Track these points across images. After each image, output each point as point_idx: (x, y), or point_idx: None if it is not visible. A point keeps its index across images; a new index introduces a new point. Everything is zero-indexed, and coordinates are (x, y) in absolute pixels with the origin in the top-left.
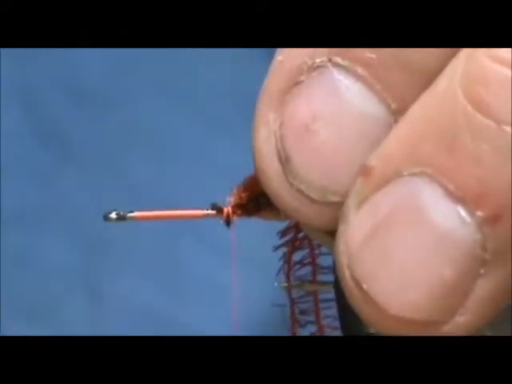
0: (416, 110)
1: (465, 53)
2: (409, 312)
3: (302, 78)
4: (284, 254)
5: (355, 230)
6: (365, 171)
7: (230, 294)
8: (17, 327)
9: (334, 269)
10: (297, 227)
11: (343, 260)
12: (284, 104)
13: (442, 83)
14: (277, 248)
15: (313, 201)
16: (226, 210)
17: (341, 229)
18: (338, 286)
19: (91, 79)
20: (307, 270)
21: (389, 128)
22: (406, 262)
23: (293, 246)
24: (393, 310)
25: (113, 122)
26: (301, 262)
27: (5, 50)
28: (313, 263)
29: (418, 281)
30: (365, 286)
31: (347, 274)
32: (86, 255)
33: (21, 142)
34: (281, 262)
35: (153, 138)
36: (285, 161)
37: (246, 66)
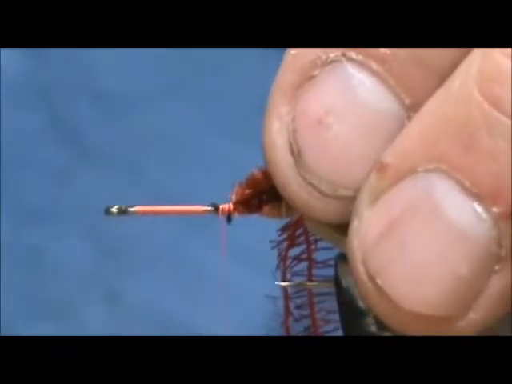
0: (431, 107)
1: (479, 50)
2: (423, 307)
3: (316, 72)
4: (280, 252)
5: (370, 225)
6: (379, 167)
7: (247, 296)
8: (32, 326)
9: (335, 265)
10: (296, 225)
11: (357, 255)
12: (297, 98)
13: (457, 80)
14: (275, 246)
15: (323, 194)
16: (227, 206)
17: (354, 224)
18: (338, 282)
19: (108, 80)
20: (304, 266)
21: (402, 123)
22: (421, 258)
23: (290, 243)
24: (407, 305)
25: (129, 122)
26: (297, 258)
27: (25, 51)
28: (309, 260)
29: (434, 276)
30: (379, 282)
31: (361, 269)
32: (102, 255)
33: (38, 141)
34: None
35: (168, 138)
36: (297, 154)
37: (261, 66)
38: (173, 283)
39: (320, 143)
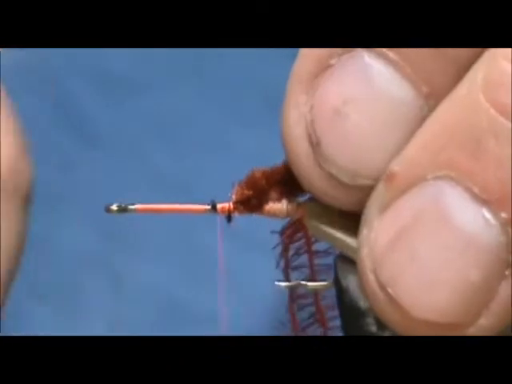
0: (438, 115)
1: (485, 57)
2: (434, 315)
3: (333, 61)
4: (281, 252)
5: (380, 233)
6: (388, 177)
7: (249, 280)
8: (35, 311)
9: (334, 265)
10: (296, 225)
11: (367, 264)
12: (314, 88)
13: (464, 87)
14: (275, 246)
15: (342, 184)
16: (227, 205)
17: (364, 233)
18: (337, 282)
19: (116, 65)
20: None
21: (420, 112)
22: (431, 265)
23: (289, 243)
24: (418, 313)
25: (137, 108)
26: (297, 253)
27: None
28: (310, 262)
29: (444, 283)
30: (390, 290)
31: (371, 277)
32: (107, 240)
33: (44, 126)
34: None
35: (176, 125)
36: (315, 144)
37: (272, 55)
38: (177, 268)
39: (338, 133)
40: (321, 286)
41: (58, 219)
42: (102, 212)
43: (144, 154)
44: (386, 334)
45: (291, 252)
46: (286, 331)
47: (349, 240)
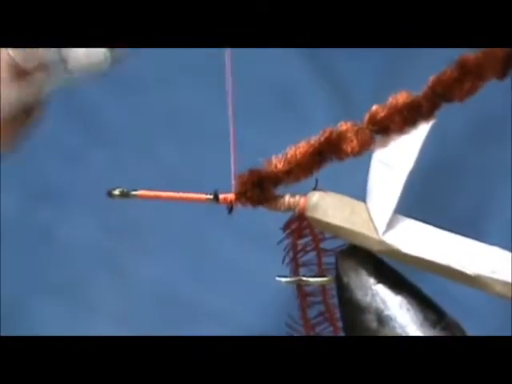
0: None
1: None
2: None
3: None
4: (286, 246)
5: None
6: None
7: (254, 278)
8: (42, 303)
9: (335, 261)
10: (300, 219)
11: None
12: None
13: None
14: (280, 241)
15: None
16: (228, 196)
17: None
18: (339, 278)
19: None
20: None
21: None
22: None
23: (297, 237)
24: None
25: (142, 101)
26: (303, 250)
27: None
28: (318, 258)
29: None
30: None
31: None
32: (112, 234)
33: (50, 120)
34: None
35: (181, 118)
36: None
37: (284, 54)
38: (182, 262)
39: None
40: (322, 281)
41: (66, 213)
42: (108, 207)
43: (152, 149)
44: (386, 330)
45: (298, 248)
46: (297, 329)
47: (351, 227)
